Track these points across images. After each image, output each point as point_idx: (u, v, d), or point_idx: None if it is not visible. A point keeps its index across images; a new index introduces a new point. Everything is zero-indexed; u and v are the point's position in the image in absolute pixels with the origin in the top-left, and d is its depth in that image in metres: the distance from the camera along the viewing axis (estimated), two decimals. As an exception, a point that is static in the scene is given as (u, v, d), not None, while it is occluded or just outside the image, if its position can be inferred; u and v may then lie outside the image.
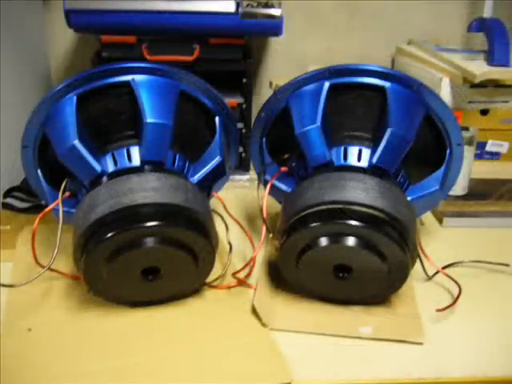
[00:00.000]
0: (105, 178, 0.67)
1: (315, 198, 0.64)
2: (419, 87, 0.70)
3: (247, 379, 0.59)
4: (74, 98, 0.68)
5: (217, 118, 0.76)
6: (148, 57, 0.99)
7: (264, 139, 0.80)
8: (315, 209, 0.64)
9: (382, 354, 0.63)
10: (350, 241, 0.62)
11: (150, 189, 0.62)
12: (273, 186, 0.75)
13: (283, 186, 0.75)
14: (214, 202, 0.77)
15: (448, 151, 0.75)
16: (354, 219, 0.61)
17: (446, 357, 0.63)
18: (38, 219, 0.68)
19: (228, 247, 0.77)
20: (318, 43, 1.30)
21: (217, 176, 0.74)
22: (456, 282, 0.72)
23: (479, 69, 1.02)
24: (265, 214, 0.69)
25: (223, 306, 0.71)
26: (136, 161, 0.68)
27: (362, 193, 0.63)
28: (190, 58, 0.99)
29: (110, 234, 0.60)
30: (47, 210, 0.69)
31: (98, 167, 0.66)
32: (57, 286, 0.72)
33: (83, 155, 0.65)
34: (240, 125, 1.04)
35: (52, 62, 1.25)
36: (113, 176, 0.66)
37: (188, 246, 0.63)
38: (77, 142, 0.65)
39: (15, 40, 1.00)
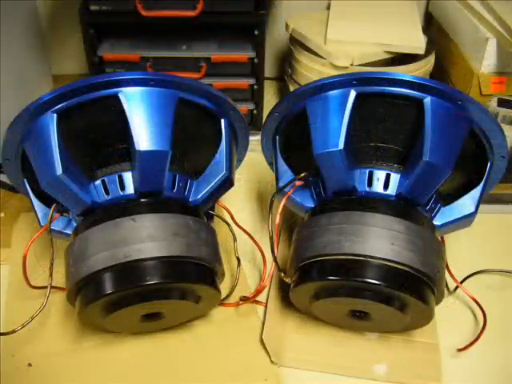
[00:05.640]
0: (97, 210, 0.59)
1: (333, 246, 0.56)
2: (464, 102, 0.59)
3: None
4: (54, 116, 0.58)
5: (222, 121, 0.66)
6: (143, 12, 0.84)
7: (277, 137, 0.70)
8: (333, 257, 0.57)
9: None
10: (370, 296, 0.56)
11: (145, 238, 0.55)
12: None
13: (297, 199, 0.67)
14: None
15: (488, 164, 0.65)
16: (376, 278, 0.54)
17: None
18: (29, 245, 0.63)
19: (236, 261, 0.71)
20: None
21: (223, 191, 0.66)
22: (480, 307, 0.67)
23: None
24: (276, 249, 0.62)
25: (230, 329, 0.67)
26: (129, 189, 0.60)
27: (386, 243, 0.55)
28: (192, 13, 0.85)
29: (106, 292, 0.54)
30: (36, 236, 0.63)
31: (87, 199, 0.59)
32: (54, 307, 0.69)
33: (69, 187, 0.57)
34: (251, 105, 0.92)
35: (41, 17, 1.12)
36: (105, 209, 0.59)
37: (192, 293, 0.58)
38: (61, 175, 0.56)
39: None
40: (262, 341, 0.65)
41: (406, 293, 0.55)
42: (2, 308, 0.69)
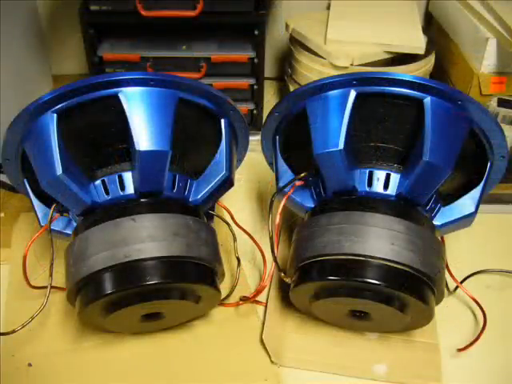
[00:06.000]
0: (97, 210, 0.59)
1: (333, 246, 0.56)
2: (464, 102, 0.59)
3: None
4: (54, 116, 0.58)
5: (222, 121, 0.66)
6: (143, 12, 0.84)
7: (277, 137, 0.70)
8: (333, 257, 0.57)
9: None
10: (370, 296, 0.56)
11: (145, 238, 0.55)
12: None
13: (297, 199, 0.67)
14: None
15: (488, 164, 0.65)
16: (376, 278, 0.54)
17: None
18: (29, 245, 0.63)
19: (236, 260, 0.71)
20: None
21: (223, 191, 0.66)
22: (480, 307, 0.67)
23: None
24: (276, 249, 0.62)
25: (230, 329, 0.67)
26: (129, 189, 0.60)
27: (386, 244, 0.55)
28: (192, 13, 0.85)
29: (106, 292, 0.54)
30: (36, 236, 0.63)
31: (87, 199, 0.58)
32: (54, 307, 0.69)
33: (70, 187, 0.57)
34: (251, 105, 0.93)
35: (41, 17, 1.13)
36: (105, 209, 0.59)
37: (192, 293, 0.58)
38: (61, 175, 0.56)
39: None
40: (261, 341, 0.65)
41: (406, 293, 0.55)
42: (2, 308, 0.69)
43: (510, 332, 0.68)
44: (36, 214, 0.65)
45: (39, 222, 0.65)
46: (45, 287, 0.62)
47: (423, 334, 0.66)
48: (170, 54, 0.94)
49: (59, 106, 0.58)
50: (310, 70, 0.97)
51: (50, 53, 1.17)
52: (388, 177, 0.61)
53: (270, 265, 0.67)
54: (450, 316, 0.69)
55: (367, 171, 0.62)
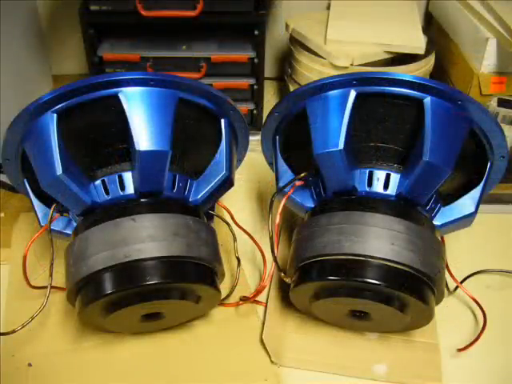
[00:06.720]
0: (97, 211, 0.59)
1: (333, 246, 0.56)
2: (464, 102, 0.59)
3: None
4: (54, 116, 0.58)
5: (222, 121, 0.66)
6: (143, 12, 0.84)
7: (277, 137, 0.70)
8: (333, 257, 0.57)
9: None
10: (370, 296, 0.56)
11: (145, 238, 0.55)
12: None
13: (297, 199, 0.67)
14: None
15: (488, 164, 0.65)
16: (376, 278, 0.54)
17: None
18: (29, 245, 0.63)
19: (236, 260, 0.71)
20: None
21: (223, 191, 0.66)
22: (480, 307, 0.67)
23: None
24: (276, 249, 0.62)
25: (230, 329, 0.67)
26: (129, 189, 0.60)
27: (386, 244, 0.55)
28: (192, 13, 0.85)
29: (106, 292, 0.54)
30: (36, 236, 0.63)
31: (87, 199, 0.58)
32: (54, 307, 0.69)
33: (70, 187, 0.57)
34: (251, 105, 0.92)
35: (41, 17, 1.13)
36: (105, 209, 0.59)
37: (192, 293, 0.58)
38: (61, 175, 0.56)
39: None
40: (261, 341, 0.65)
41: (406, 293, 0.55)
42: (2, 308, 0.69)
43: (510, 332, 0.68)
44: (36, 214, 0.65)
45: (39, 222, 0.65)
46: (45, 287, 0.61)
47: (423, 334, 0.66)
48: (170, 54, 0.94)
49: (59, 106, 0.58)
50: (310, 70, 0.97)
51: (50, 53, 1.17)
52: (388, 177, 0.61)
53: (270, 265, 0.67)
54: (450, 316, 0.69)
55: (367, 171, 0.62)
